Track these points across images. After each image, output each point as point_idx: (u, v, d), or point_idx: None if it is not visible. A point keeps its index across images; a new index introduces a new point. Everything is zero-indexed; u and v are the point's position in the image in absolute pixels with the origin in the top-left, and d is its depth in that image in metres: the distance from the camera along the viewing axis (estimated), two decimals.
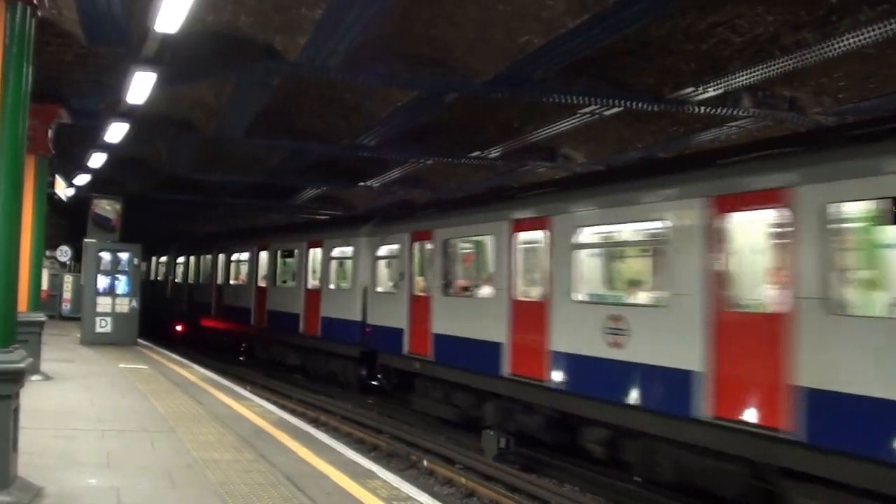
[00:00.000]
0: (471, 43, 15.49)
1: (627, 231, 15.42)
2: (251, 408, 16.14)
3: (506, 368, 17.12)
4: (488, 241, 18.85)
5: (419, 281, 21.42)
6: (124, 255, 28.48)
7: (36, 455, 10.26)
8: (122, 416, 14.10)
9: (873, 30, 12.43)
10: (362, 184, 30.29)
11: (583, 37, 13.96)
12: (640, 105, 17.25)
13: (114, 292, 28.06)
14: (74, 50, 16.41)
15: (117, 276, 28.19)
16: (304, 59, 15.54)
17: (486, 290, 18.58)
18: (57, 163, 24.39)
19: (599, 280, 16.31)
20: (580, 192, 16.20)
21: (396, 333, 21.87)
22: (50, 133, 18.75)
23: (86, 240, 30.54)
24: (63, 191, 30.72)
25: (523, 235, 17.25)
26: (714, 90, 16.00)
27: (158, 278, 49.13)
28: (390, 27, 14.91)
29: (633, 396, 13.83)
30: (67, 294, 39.63)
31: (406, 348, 21.39)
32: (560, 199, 16.24)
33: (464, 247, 20.68)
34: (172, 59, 15.28)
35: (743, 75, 15.03)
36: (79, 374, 19.22)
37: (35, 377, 17.24)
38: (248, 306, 33.39)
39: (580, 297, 15.43)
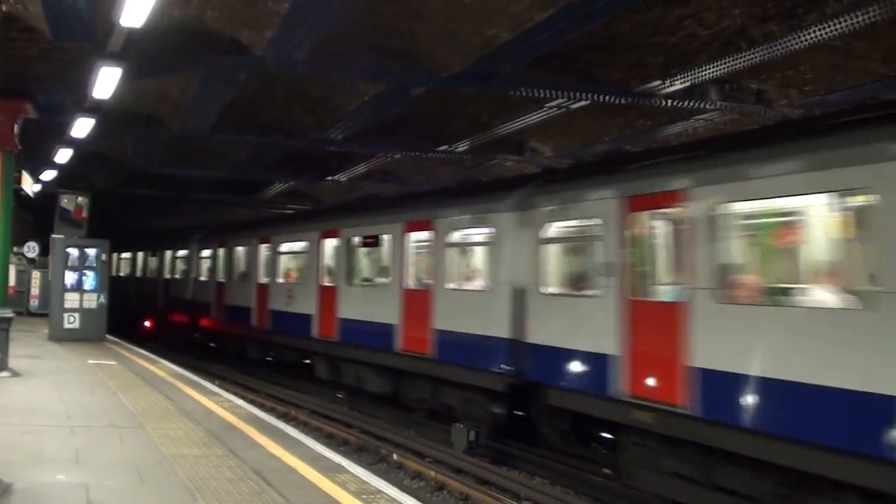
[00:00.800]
0: (438, 37, 15.49)
1: None
2: (220, 403, 16.13)
3: None
4: (856, 203, 10.71)
5: (643, 277, 14.13)
6: (92, 251, 28.37)
7: (4, 451, 10.24)
8: (90, 413, 14.06)
9: (840, 22, 12.47)
10: (330, 178, 30.21)
11: (550, 30, 13.98)
12: (607, 98, 17.28)
13: (81, 288, 27.95)
14: (40, 45, 16.33)
15: (85, 271, 28.08)
16: (270, 53, 15.50)
17: (828, 296, 11.12)
18: (23, 158, 24.24)
19: None
20: None
21: (595, 361, 14.49)
22: (16, 128, 18.65)
23: (53, 235, 30.39)
24: (30, 186, 30.49)
25: None
26: (681, 83, 16.04)
27: (176, 276, 41.31)
28: (357, 20, 14.88)
29: None
30: (35, 290, 39.42)
31: (620, 387, 13.83)
32: None
33: (774, 217, 12.46)
34: (138, 53, 15.19)
35: (710, 68, 15.07)
36: (47, 370, 19.15)
37: (3, 374, 17.20)
38: (307, 312, 25.86)
39: None
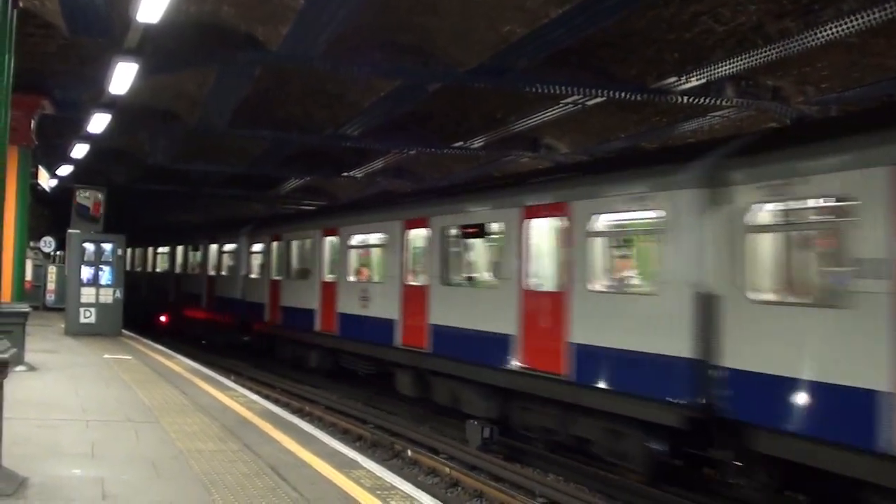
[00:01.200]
0: (454, 32, 15.49)
1: None
2: (236, 398, 16.13)
3: None
4: None
5: None
6: (108, 246, 28.44)
7: (20, 445, 10.24)
8: (106, 407, 14.07)
9: (856, 19, 12.45)
10: (346, 174, 30.21)
11: (565, 27, 13.98)
12: (623, 95, 17.25)
13: (98, 283, 28.02)
14: (57, 41, 16.38)
15: (101, 266, 28.15)
16: (286, 48, 15.52)
17: None
18: (40, 154, 24.33)
19: None
20: None
21: (850, 399, 10.12)
22: (33, 124, 18.73)
23: (69, 230, 30.47)
24: (46, 182, 30.63)
25: None
26: (697, 80, 16.02)
27: (222, 273, 36.43)
28: (372, 16, 14.89)
29: None
30: (51, 285, 39.55)
31: None
32: None
33: None
34: (154, 49, 15.25)
35: (726, 65, 15.05)
36: (63, 364, 19.17)
37: (19, 368, 17.22)
38: (387, 317, 21.30)
39: None
